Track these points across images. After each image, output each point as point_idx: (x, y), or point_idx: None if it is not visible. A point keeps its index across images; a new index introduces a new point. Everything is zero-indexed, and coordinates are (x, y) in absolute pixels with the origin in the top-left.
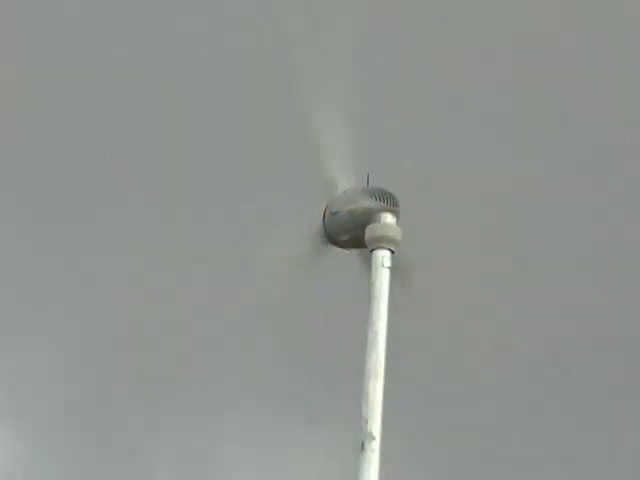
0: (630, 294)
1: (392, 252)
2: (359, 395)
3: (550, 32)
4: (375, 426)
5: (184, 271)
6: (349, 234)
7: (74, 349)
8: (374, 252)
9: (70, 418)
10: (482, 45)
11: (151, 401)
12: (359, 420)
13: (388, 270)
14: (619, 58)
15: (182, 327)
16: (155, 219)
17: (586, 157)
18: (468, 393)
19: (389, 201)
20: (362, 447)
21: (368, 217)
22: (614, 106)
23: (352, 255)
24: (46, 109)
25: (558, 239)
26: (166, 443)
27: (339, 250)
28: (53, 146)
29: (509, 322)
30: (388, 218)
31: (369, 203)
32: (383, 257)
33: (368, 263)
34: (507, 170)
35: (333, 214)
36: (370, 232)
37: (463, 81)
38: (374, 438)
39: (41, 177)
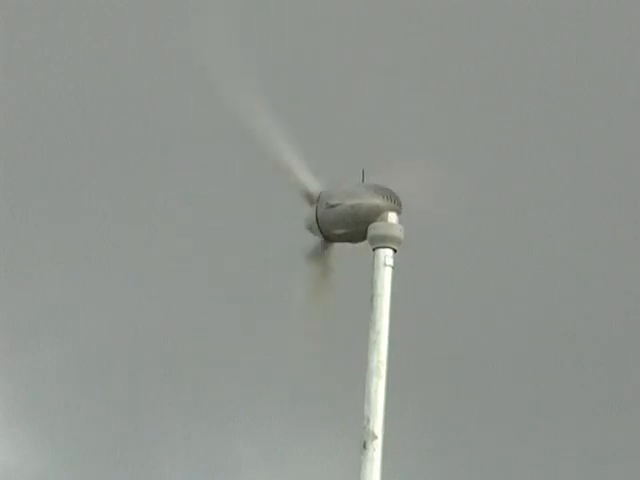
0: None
1: (395, 251)
2: (362, 394)
3: (551, 33)
4: (377, 425)
5: (197, 277)
6: (347, 228)
7: (89, 353)
8: (377, 251)
9: (83, 420)
10: (482, 45)
11: (161, 403)
12: (361, 419)
13: (391, 269)
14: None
15: (183, 330)
16: (163, 224)
17: (586, 157)
18: (470, 393)
19: (394, 200)
20: (364, 446)
21: (372, 214)
22: (615, 107)
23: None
24: (47, 111)
25: (558, 238)
26: (176, 444)
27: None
28: (72, 156)
29: (511, 325)
30: (393, 217)
31: (377, 201)
32: (386, 256)
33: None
34: (507, 169)
35: (331, 207)
36: (373, 230)
37: (465, 79)
38: (376, 437)
39: (58, 181)
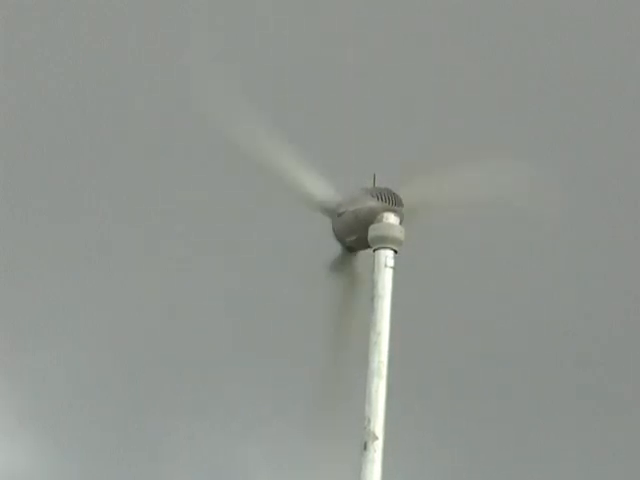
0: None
1: (395, 252)
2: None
3: (551, 33)
4: (378, 426)
5: (200, 276)
6: (355, 234)
7: (89, 353)
8: (377, 252)
9: (86, 420)
10: (483, 45)
11: (164, 403)
12: (362, 420)
13: (391, 270)
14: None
15: (184, 329)
16: (163, 224)
17: (586, 157)
18: (471, 393)
19: (392, 201)
20: (365, 447)
21: (371, 217)
22: (615, 107)
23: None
24: (47, 111)
25: (558, 239)
26: (180, 444)
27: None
28: (81, 159)
29: (511, 325)
30: (391, 218)
31: (372, 203)
32: (386, 257)
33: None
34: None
35: (339, 215)
36: (373, 232)
37: (467, 79)
38: (377, 438)
39: (58, 181)
